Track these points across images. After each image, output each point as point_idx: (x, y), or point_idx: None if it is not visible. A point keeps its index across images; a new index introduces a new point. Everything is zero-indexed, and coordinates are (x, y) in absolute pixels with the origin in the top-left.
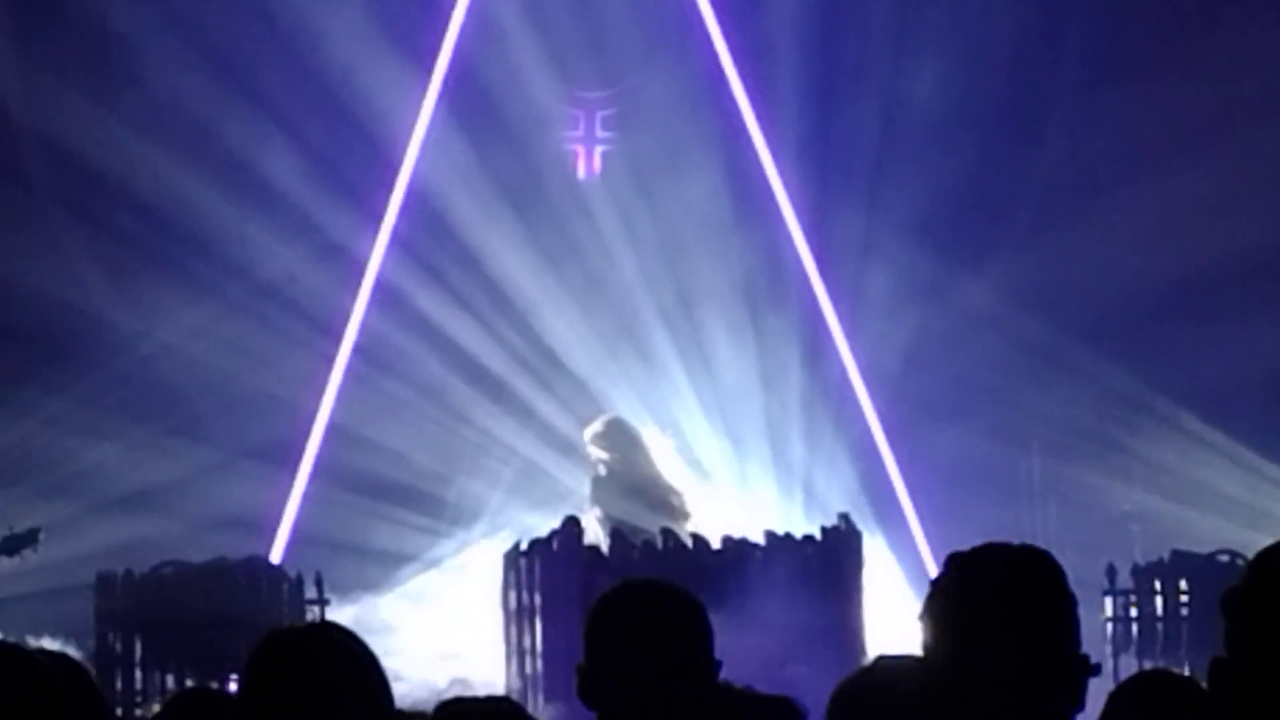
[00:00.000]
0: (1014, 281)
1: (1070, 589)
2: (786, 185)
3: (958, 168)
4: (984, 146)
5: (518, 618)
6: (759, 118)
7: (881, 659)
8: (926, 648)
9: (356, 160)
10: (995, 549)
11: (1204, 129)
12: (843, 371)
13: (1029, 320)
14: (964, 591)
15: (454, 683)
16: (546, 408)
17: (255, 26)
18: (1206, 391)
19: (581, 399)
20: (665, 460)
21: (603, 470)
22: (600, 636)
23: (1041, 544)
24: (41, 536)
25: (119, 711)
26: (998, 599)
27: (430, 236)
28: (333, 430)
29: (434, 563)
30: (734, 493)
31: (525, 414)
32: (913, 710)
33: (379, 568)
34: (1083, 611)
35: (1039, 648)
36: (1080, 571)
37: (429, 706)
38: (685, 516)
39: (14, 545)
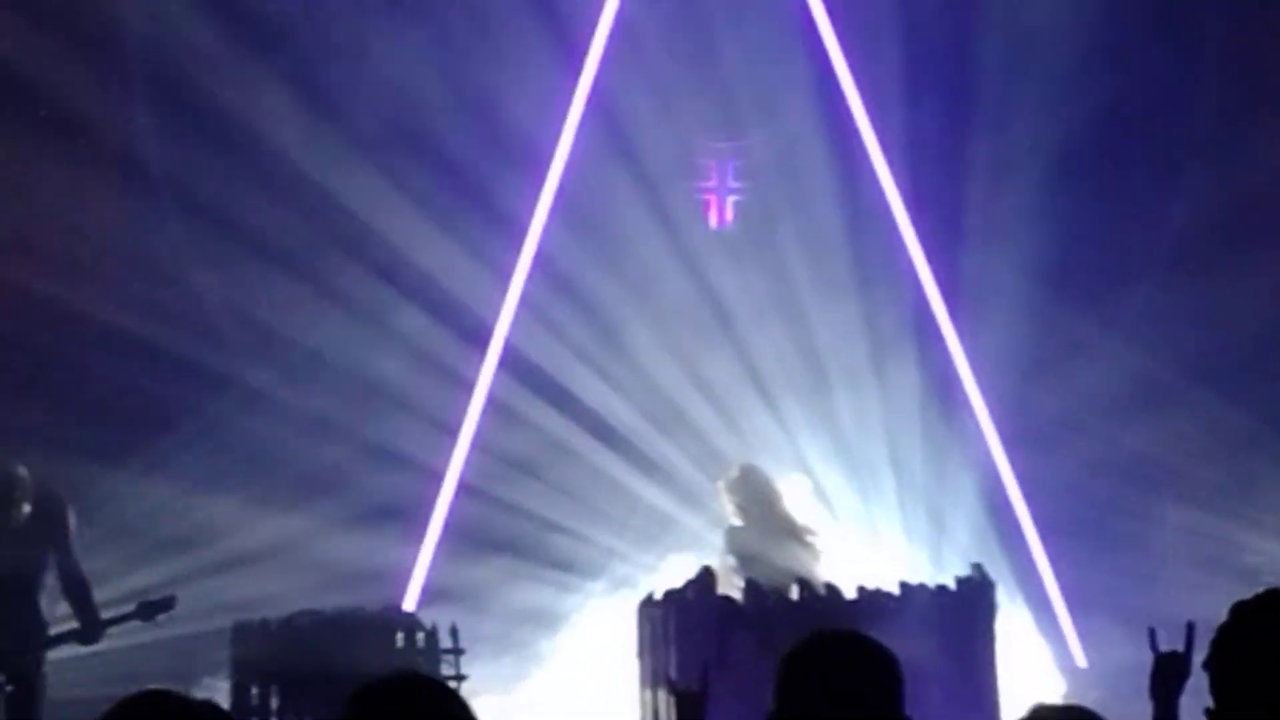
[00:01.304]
0: (1149, 328)
1: None
2: (916, 230)
3: (1091, 210)
4: (1119, 188)
5: (651, 667)
6: (899, 171)
7: (1042, 707)
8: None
9: (486, 214)
10: None
11: None
12: (971, 417)
13: (1164, 368)
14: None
15: None
16: (673, 458)
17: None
18: None
19: (709, 449)
20: (800, 508)
21: (737, 519)
22: (794, 685)
23: (1169, 592)
24: (175, 602)
25: None
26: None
27: (557, 290)
28: (462, 487)
29: (565, 616)
30: (864, 540)
31: (652, 466)
32: None
33: (509, 622)
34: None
35: None
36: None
37: None
38: (819, 564)
39: (150, 611)
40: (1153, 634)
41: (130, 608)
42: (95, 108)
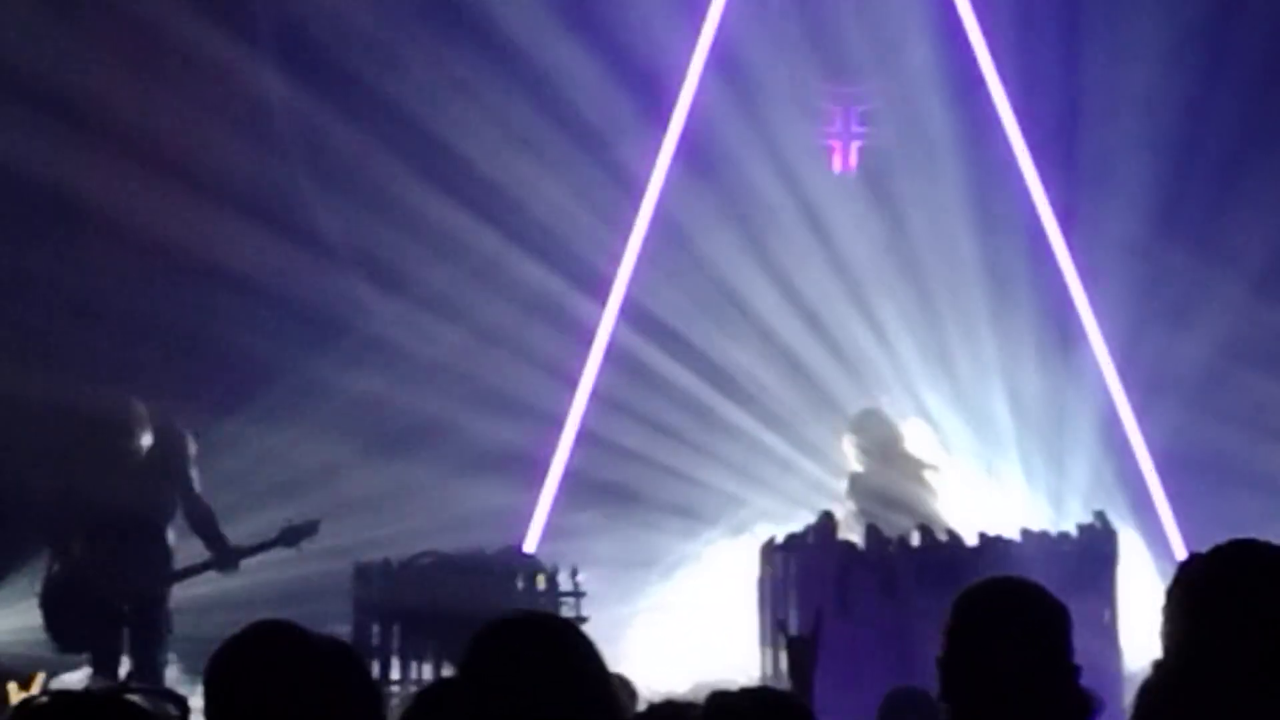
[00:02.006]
0: (1271, 288)
1: None
2: (1038, 172)
3: (1213, 160)
4: (1238, 139)
5: (773, 612)
6: (1016, 113)
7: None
8: (1165, 638)
9: (605, 167)
10: (1247, 546)
11: None
12: (1091, 360)
13: None
14: (1208, 586)
15: (702, 685)
16: (794, 405)
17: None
18: None
19: (829, 396)
20: (921, 452)
21: (859, 464)
22: (967, 630)
23: None
24: (318, 527)
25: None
26: (1241, 596)
27: (677, 238)
28: (582, 435)
29: (686, 561)
30: (986, 485)
31: (772, 413)
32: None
33: (630, 567)
34: None
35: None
36: None
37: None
38: (941, 509)
39: (294, 536)
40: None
41: (272, 534)
42: (225, 58)
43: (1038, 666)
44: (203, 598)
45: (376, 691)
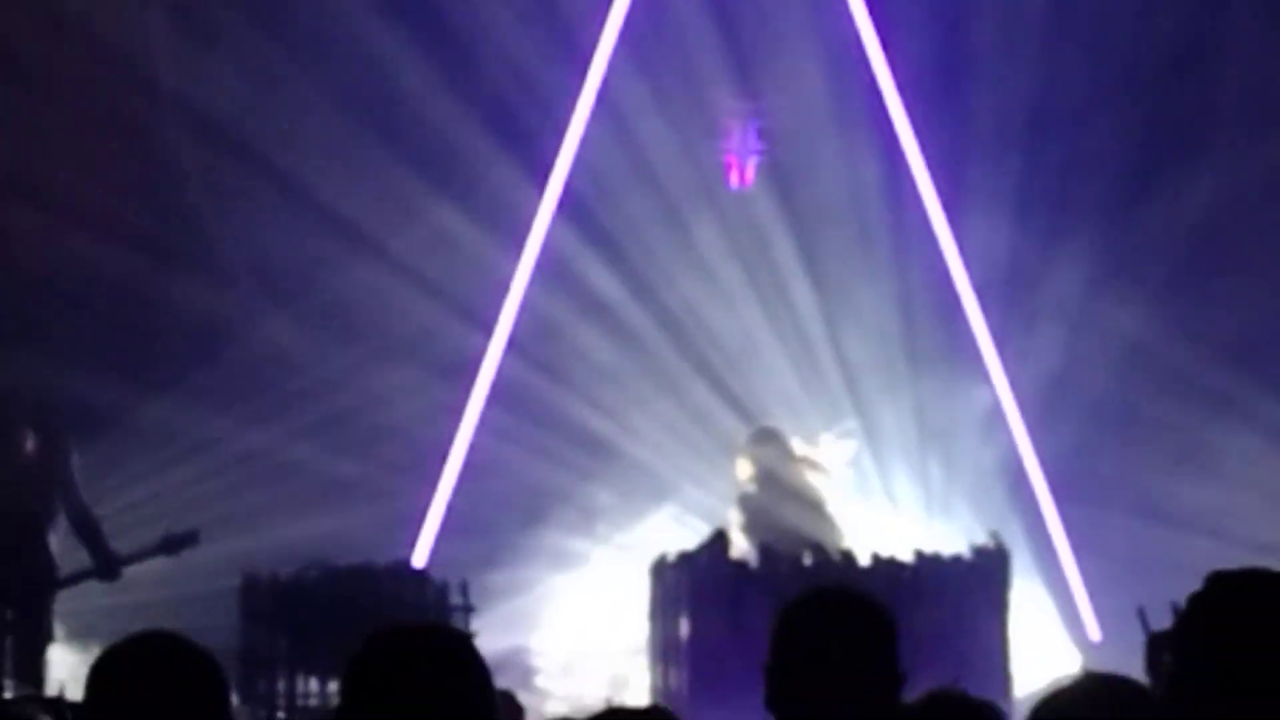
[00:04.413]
0: (1167, 307)
1: None
2: (941, 196)
3: (1113, 183)
4: (1138, 161)
5: (664, 630)
6: (914, 130)
7: (1090, 675)
8: (1176, 669)
9: (495, 186)
10: (1261, 576)
11: None
12: (990, 383)
13: (1182, 346)
14: (1227, 617)
15: (585, 705)
16: (691, 419)
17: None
18: None
19: (727, 411)
20: (817, 473)
21: (753, 482)
22: (789, 639)
23: (1190, 568)
24: (199, 537)
25: (263, 714)
26: (1263, 628)
27: (578, 249)
28: (479, 434)
29: (579, 573)
30: (881, 507)
31: (669, 425)
32: None
33: (520, 577)
34: None
35: None
36: None
37: (573, 714)
38: (834, 531)
39: (174, 545)
40: (1142, 613)
41: (153, 543)
42: (113, 34)
43: (863, 676)
44: (89, 608)
45: (228, 709)
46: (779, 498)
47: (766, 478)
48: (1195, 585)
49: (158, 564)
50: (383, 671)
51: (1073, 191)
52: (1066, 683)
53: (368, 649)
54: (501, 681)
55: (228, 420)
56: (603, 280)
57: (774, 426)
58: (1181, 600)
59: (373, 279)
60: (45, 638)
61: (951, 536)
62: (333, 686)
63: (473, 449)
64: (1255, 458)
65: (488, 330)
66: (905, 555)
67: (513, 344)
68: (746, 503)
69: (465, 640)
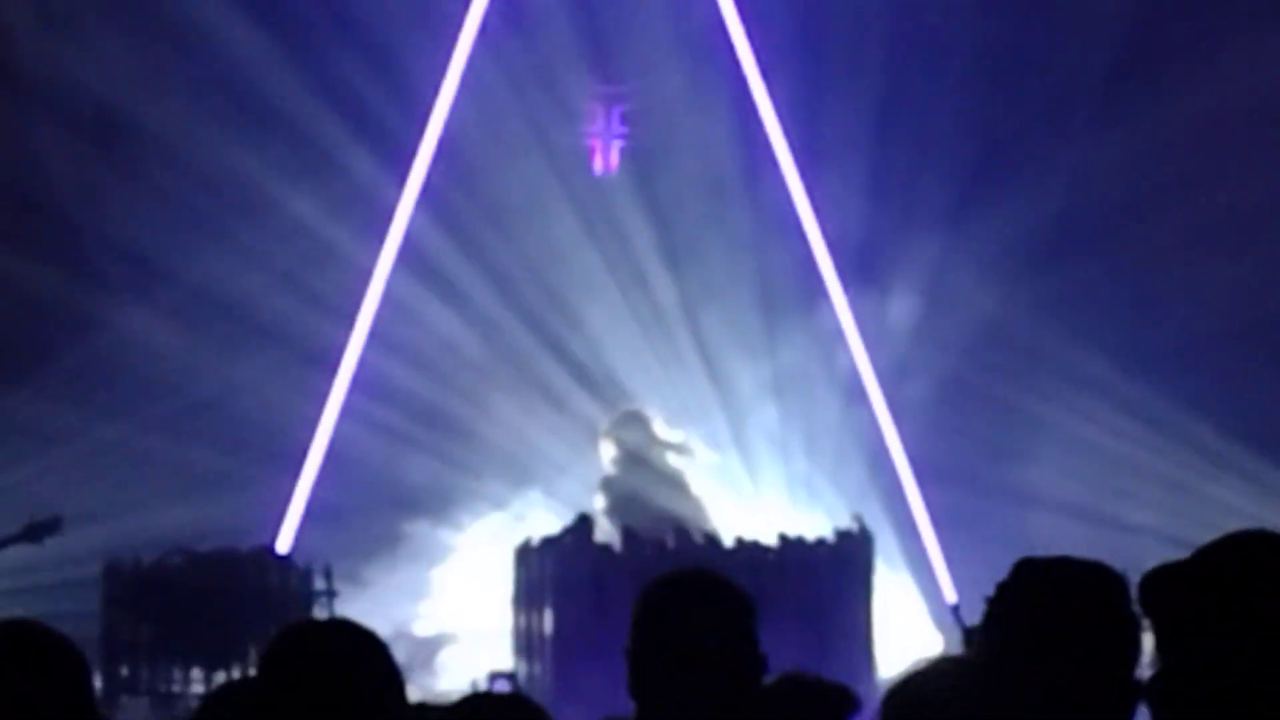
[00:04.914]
0: (1030, 290)
1: (1134, 611)
2: (805, 182)
3: (973, 162)
4: (994, 145)
5: (527, 613)
6: (779, 116)
7: (945, 658)
8: (983, 650)
9: (371, 153)
10: (1066, 563)
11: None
12: (855, 367)
13: (1048, 331)
14: (1030, 601)
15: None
16: (553, 404)
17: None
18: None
19: (590, 396)
20: (681, 456)
21: (616, 465)
22: (648, 621)
23: (1043, 544)
24: (64, 524)
25: (124, 699)
26: (1062, 612)
27: (443, 232)
28: (342, 422)
29: (443, 555)
30: (746, 490)
31: (531, 411)
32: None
33: (385, 558)
34: None
35: (1095, 666)
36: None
37: (437, 696)
38: (698, 513)
39: (37, 533)
40: (956, 611)
41: (14, 530)
42: None
43: (723, 657)
44: None
45: (91, 695)
46: (642, 481)
47: (630, 461)
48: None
49: (19, 552)
50: (296, 668)
51: (930, 173)
52: (922, 665)
53: (280, 645)
54: None
55: (88, 410)
56: (464, 268)
57: (637, 410)
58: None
59: (232, 269)
60: None
61: (815, 516)
62: (196, 673)
63: (335, 437)
64: (1104, 435)
65: (349, 319)
66: (769, 538)
67: (374, 333)
68: (610, 486)
69: (374, 635)
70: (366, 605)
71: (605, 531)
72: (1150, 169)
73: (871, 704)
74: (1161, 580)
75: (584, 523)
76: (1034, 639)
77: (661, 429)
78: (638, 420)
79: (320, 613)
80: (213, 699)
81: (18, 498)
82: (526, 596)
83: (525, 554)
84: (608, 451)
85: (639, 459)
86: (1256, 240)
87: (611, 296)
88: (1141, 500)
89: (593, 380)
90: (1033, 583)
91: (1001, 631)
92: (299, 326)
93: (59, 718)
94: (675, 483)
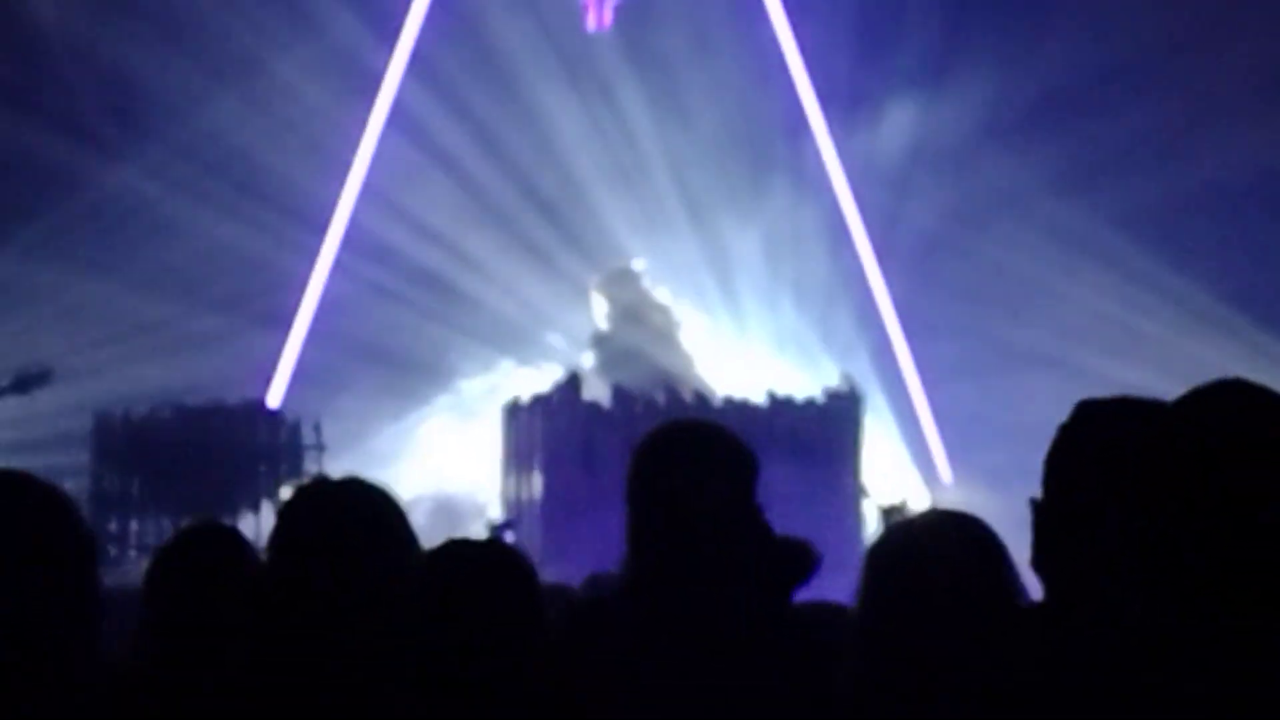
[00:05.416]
0: (1021, 145)
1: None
2: (801, 45)
3: (963, 13)
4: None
5: (516, 471)
6: None
7: (935, 510)
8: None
9: (350, 29)
10: (1129, 402)
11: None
12: (845, 224)
13: (1038, 188)
14: (1097, 443)
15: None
16: (546, 260)
17: None
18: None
19: (582, 252)
20: (673, 310)
21: (607, 321)
22: (644, 474)
23: (1042, 419)
24: (53, 376)
25: (112, 552)
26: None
27: (434, 91)
28: (333, 281)
29: (432, 413)
30: (736, 347)
31: (525, 267)
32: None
33: (373, 416)
34: None
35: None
36: None
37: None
38: (689, 370)
39: (26, 384)
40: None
41: (4, 381)
42: None
43: (724, 508)
44: None
45: (90, 541)
46: (633, 337)
47: (620, 317)
48: (1042, 421)
49: (9, 405)
50: (314, 524)
51: (919, 26)
52: (913, 517)
53: (298, 501)
54: None
55: (73, 266)
56: (455, 127)
57: (627, 265)
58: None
59: (222, 127)
60: None
61: (802, 371)
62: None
63: (325, 296)
64: (1098, 295)
65: (340, 179)
66: (758, 397)
67: (365, 192)
68: (600, 343)
69: (389, 494)
70: (353, 462)
71: (595, 389)
72: (1150, 26)
73: (858, 561)
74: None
75: (573, 380)
76: (1102, 483)
77: (651, 285)
78: (628, 276)
79: (310, 467)
80: (184, 537)
81: (6, 352)
82: (515, 455)
83: (514, 412)
84: (599, 307)
85: (630, 314)
86: (1256, 105)
87: (602, 155)
88: (1132, 358)
89: (582, 239)
90: (1097, 424)
91: (1063, 477)
92: (289, 185)
93: (53, 567)
94: (665, 339)
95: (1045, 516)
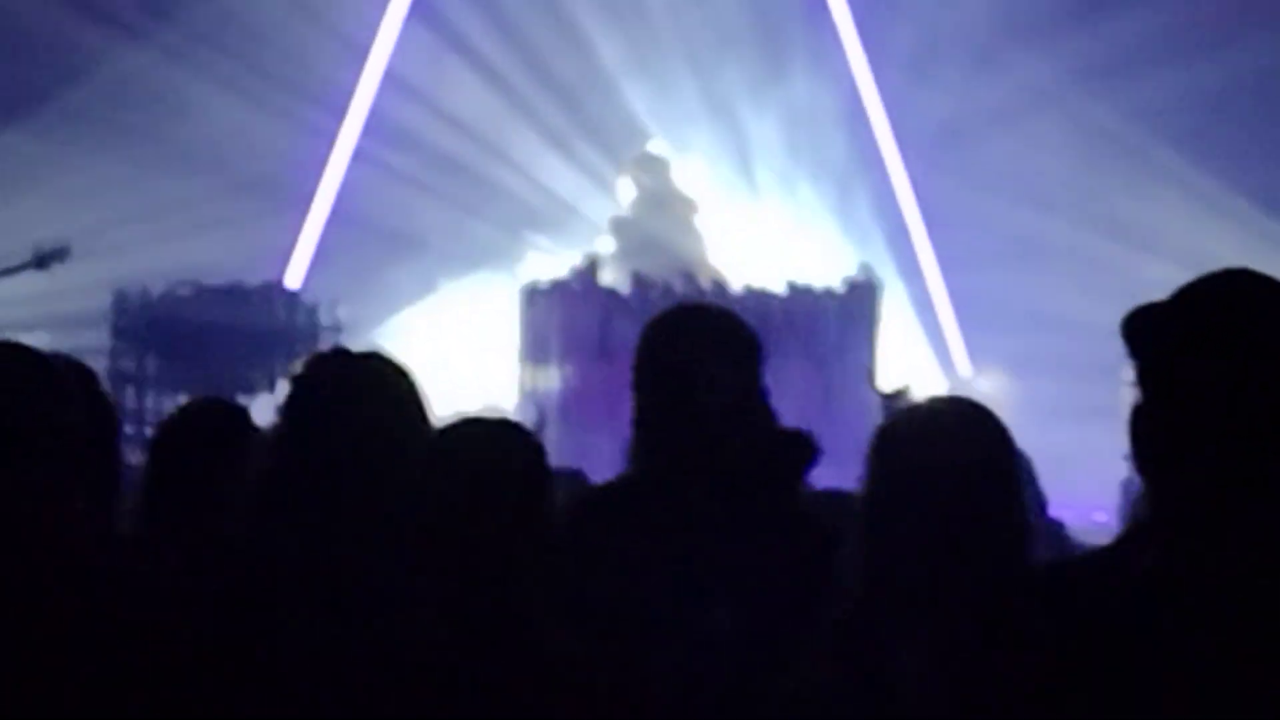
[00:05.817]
0: (1038, 32)
1: None
2: None
3: None
4: None
5: (533, 357)
6: None
7: (941, 396)
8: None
9: None
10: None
11: None
12: (866, 114)
13: (1054, 76)
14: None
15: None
16: (567, 145)
17: None
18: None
19: (605, 137)
20: (695, 195)
21: (631, 206)
22: (651, 358)
23: (1062, 313)
24: (70, 252)
25: (128, 429)
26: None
27: None
28: (354, 167)
29: (451, 298)
30: (758, 235)
31: (547, 151)
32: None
33: (394, 299)
34: None
35: None
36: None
37: None
38: (710, 257)
39: (44, 260)
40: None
41: (24, 257)
42: None
43: (728, 391)
44: None
45: (111, 410)
46: (654, 223)
47: (643, 202)
48: (1061, 312)
49: (29, 282)
50: (328, 389)
51: None
52: (920, 402)
53: (315, 368)
54: None
55: (89, 146)
56: (474, 12)
57: (654, 151)
58: None
59: (238, 7)
60: None
61: (821, 258)
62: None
63: (347, 180)
64: (1119, 189)
65: (359, 63)
66: (777, 286)
67: (385, 77)
68: (620, 229)
69: (405, 368)
70: (370, 345)
71: (612, 275)
72: None
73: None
74: (1141, 319)
75: (591, 265)
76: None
77: (677, 169)
78: (653, 160)
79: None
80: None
81: (26, 229)
82: (532, 341)
83: (532, 296)
84: (625, 192)
85: (651, 200)
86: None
87: (620, 40)
88: (1153, 252)
89: (603, 124)
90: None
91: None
92: (310, 69)
93: (77, 439)
94: (686, 227)
95: (1148, 419)
